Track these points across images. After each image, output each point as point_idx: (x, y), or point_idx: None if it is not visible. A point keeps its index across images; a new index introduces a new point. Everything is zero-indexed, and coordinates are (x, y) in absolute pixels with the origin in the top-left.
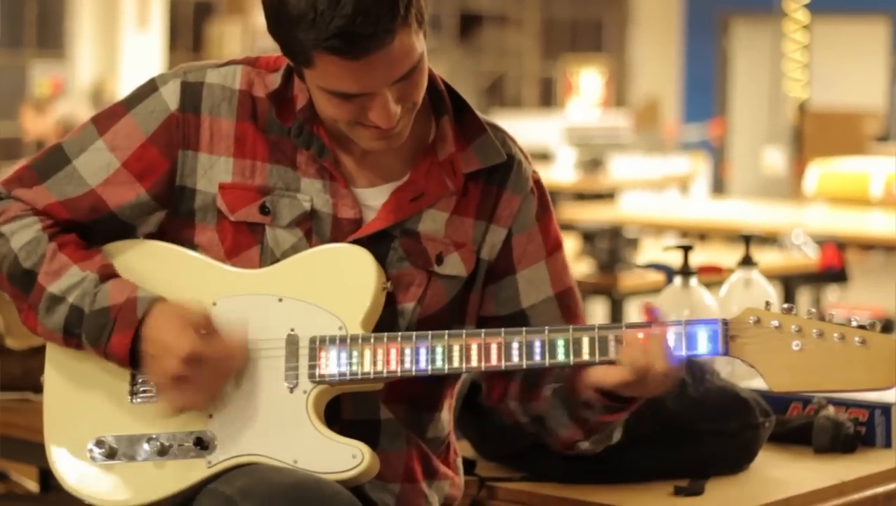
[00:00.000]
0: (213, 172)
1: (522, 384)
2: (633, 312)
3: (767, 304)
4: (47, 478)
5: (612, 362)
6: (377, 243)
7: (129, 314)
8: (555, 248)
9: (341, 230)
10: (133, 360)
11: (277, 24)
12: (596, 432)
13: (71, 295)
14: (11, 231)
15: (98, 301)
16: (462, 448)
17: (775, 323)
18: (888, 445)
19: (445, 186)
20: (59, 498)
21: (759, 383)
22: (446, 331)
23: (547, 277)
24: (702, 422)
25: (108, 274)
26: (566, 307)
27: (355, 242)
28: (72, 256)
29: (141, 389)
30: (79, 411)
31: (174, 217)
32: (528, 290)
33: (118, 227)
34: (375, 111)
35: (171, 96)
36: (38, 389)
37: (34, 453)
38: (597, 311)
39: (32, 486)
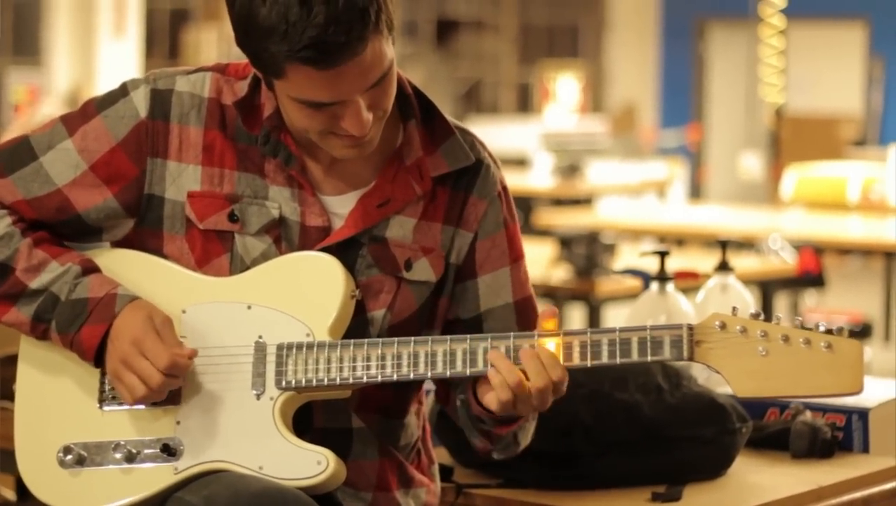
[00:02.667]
0: (181, 180)
1: (452, 389)
2: (611, 317)
3: (734, 309)
4: (24, 487)
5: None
6: (346, 251)
7: (106, 309)
8: (518, 256)
9: (309, 238)
10: (98, 355)
11: (247, 36)
12: (498, 442)
13: (52, 287)
14: None
15: (77, 292)
16: (439, 455)
17: (741, 328)
18: (865, 450)
19: (412, 191)
20: None
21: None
22: (412, 337)
23: (509, 284)
24: (679, 428)
25: (90, 268)
26: (524, 315)
27: (324, 249)
28: (49, 251)
29: (110, 395)
30: (48, 419)
31: (142, 226)
32: (487, 294)
33: (84, 231)
34: (348, 119)
35: (141, 103)
36: (14, 397)
37: (11, 461)
38: (575, 316)
39: (9, 494)
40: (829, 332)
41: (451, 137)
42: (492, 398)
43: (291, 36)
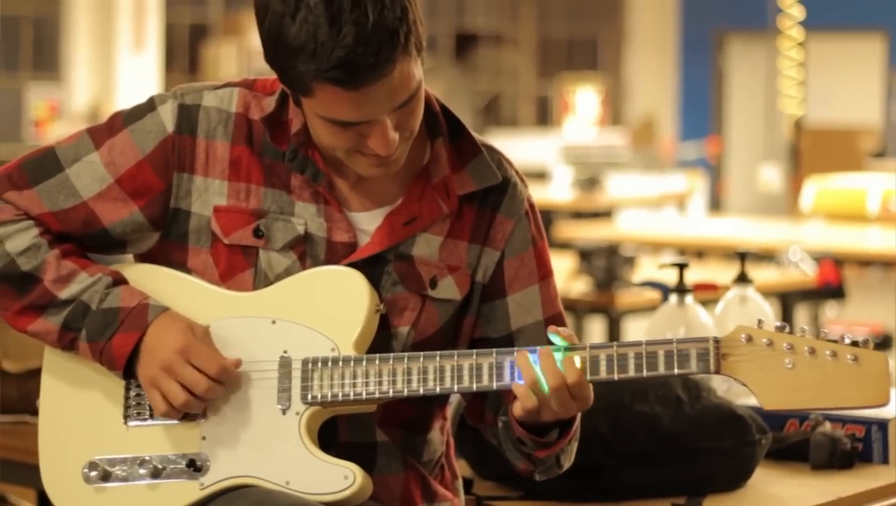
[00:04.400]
0: (207, 194)
1: (489, 409)
2: (631, 329)
3: (760, 322)
4: (45, 501)
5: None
6: (371, 267)
7: (138, 318)
8: (547, 273)
9: (335, 254)
10: (128, 366)
11: (276, 54)
12: (540, 464)
13: (82, 296)
14: (6, 234)
15: (108, 301)
16: (459, 467)
17: (767, 341)
18: (885, 461)
19: (439, 209)
20: None
21: (755, 400)
22: (438, 352)
23: (538, 302)
24: (698, 440)
25: (119, 279)
26: None
27: (349, 266)
28: (78, 262)
29: (135, 411)
30: (73, 434)
31: (167, 240)
32: (517, 313)
33: (109, 243)
34: (374, 139)
35: (168, 118)
36: (36, 411)
37: (32, 475)
38: (595, 329)
39: None
40: (854, 344)
41: (479, 156)
42: (516, 406)
43: (320, 56)
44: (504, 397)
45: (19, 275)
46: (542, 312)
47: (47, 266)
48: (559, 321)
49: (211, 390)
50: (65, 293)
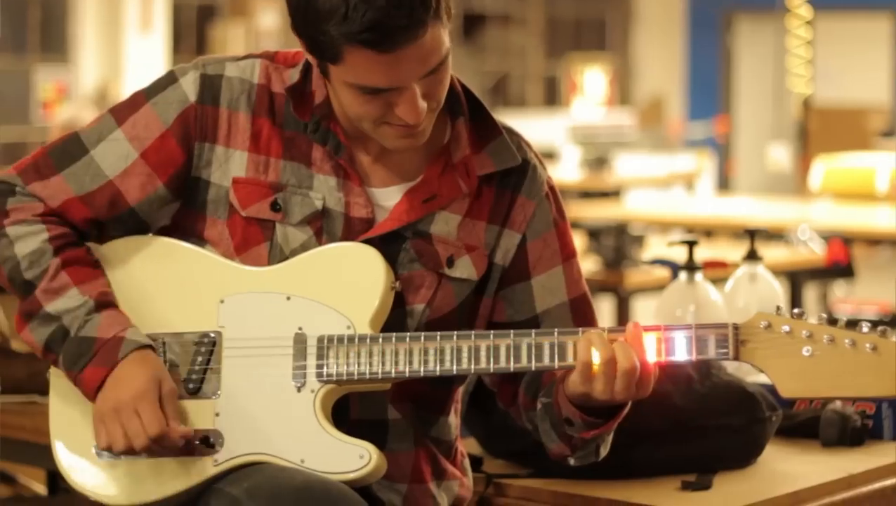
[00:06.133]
0: (228, 165)
1: (525, 392)
2: (640, 308)
3: (778, 308)
4: (55, 480)
5: None
6: (389, 244)
7: (111, 353)
8: (570, 254)
9: (353, 229)
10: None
11: (305, 20)
12: (580, 448)
13: (64, 317)
14: (17, 235)
15: (86, 329)
16: (468, 445)
17: (786, 328)
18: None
19: (459, 188)
20: (66, 500)
21: (765, 378)
22: (455, 332)
23: (563, 283)
24: (709, 417)
25: (105, 302)
26: (580, 313)
27: (367, 241)
28: (74, 276)
29: None
30: (84, 409)
31: (186, 208)
32: (542, 295)
33: (135, 223)
34: (403, 107)
35: (190, 88)
36: (44, 391)
37: (41, 455)
38: (604, 308)
39: (40, 488)
40: (875, 326)
41: (499, 138)
42: (571, 384)
43: (352, 18)
44: (543, 378)
45: (21, 281)
46: (567, 293)
47: (45, 275)
48: (584, 301)
49: (146, 450)
50: (50, 306)
